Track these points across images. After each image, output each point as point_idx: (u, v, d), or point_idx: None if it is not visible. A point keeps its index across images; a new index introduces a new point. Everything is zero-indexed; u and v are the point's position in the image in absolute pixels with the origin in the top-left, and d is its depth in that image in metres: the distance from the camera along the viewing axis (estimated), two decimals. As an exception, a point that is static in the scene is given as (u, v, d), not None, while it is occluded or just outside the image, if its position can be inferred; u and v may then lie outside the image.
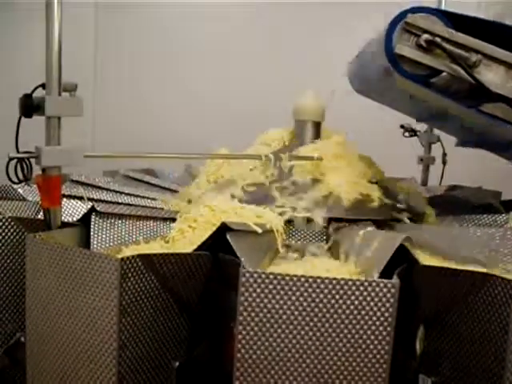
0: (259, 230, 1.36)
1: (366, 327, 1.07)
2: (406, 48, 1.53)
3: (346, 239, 1.47)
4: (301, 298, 1.07)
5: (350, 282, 1.06)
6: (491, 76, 1.52)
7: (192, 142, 2.27)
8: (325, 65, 3.02)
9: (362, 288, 1.06)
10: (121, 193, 1.83)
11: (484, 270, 1.20)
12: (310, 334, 1.08)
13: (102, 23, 3.80)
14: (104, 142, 3.04)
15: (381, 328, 1.07)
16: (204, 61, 3.66)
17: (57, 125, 1.36)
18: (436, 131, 2.59)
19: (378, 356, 1.08)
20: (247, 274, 1.07)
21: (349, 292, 1.06)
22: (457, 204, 2.03)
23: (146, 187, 2.10)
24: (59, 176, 1.38)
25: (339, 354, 1.08)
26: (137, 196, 1.83)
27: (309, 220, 1.64)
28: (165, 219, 1.55)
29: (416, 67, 1.55)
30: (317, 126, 1.83)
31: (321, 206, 1.64)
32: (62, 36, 1.34)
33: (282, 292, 1.07)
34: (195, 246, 1.30)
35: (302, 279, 1.06)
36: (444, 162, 2.60)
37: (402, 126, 2.55)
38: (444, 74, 1.57)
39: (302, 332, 1.08)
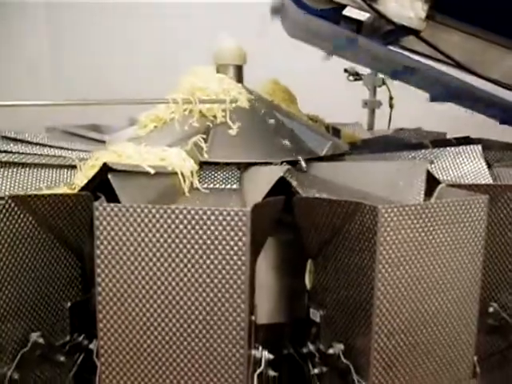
0: (151, 171, 1.35)
1: (220, 257, 1.07)
2: (305, -18, 1.49)
3: (249, 178, 1.47)
4: (153, 230, 1.07)
5: (201, 212, 1.06)
6: (394, 7, 1.48)
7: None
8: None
9: (213, 217, 1.06)
10: (50, 146, 1.83)
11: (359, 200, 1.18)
12: (166, 265, 1.08)
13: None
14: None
15: (235, 257, 1.07)
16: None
17: None
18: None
19: (235, 286, 1.08)
20: (100, 208, 1.07)
21: (201, 222, 1.06)
22: (391, 144, 1.99)
23: (86, 142, 2.10)
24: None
25: (196, 284, 1.08)
26: (66, 149, 1.82)
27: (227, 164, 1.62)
28: (73, 167, 1.55)
29: (318, 2, 1.52)
30: (238, 69, 1.80)
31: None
32: None
33: (135, 224, 1.07)
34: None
35: (154, 210, 1.06)
36: (391, 106, 2.53)
37: (345, 70, 2.48)
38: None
39: (158, 264, 1.08)
